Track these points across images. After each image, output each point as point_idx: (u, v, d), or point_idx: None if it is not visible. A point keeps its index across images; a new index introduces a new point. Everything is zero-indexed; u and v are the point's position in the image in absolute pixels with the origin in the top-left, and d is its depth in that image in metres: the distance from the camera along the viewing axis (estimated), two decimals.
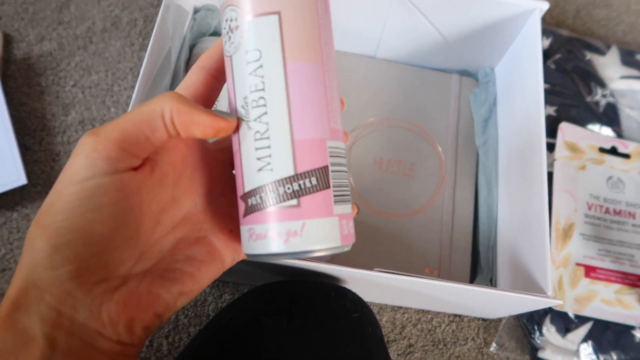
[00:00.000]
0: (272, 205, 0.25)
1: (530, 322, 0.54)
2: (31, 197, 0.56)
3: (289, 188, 0.25)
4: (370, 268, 0.40)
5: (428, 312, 0.56)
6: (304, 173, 0.25)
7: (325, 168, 0.25)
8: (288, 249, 0.24)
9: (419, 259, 0.55)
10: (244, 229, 0.26)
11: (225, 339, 0.35)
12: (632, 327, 0.54)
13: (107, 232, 0.23)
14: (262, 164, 0.25)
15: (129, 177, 0.23)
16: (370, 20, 0.57)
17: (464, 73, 0.63)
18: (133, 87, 0.61)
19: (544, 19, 0.73)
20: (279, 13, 0.25)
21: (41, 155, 0.58)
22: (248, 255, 0.26)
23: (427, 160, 0.59)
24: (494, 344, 0.54)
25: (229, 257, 0.28)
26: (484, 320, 0.56)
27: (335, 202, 0.26)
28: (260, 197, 0.25)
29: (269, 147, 0.25)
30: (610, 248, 0.56)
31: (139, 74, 0.54)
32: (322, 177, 0.25)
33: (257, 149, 0.25)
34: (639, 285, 0.55)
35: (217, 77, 0.28)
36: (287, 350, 0.33)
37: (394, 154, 0.58)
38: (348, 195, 0.27)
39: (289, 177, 0.25)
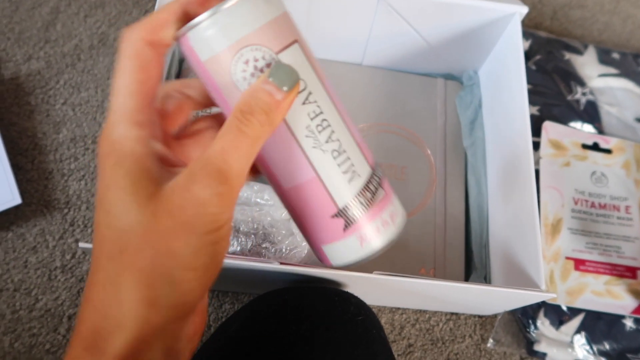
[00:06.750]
0: (372, 205, 0.28)
1: (524, 316, 0.56)
2: (26, 217, 0.56)
3: (375, 182, 0.28)
4: (369, 271, 0.41)
5: (425, 311, 0.57)
6: (374, 165, 0.29)
7: (372, 154, 0.30)
8: (396, 231, 0.30)
9: (414, 260, 0.56)
10: (350, 240, 0.28)
11: (233, 350, 0.36)
12: (623, 317, 0.56)
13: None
14: (350, 175, 0.27)
15: None
16: (355, 29, 0.58)
17: (448, 77, 0.65)
18: None
19: (523, 22, 0.75)
20: (296, 41, 0.26)
21: (34, 174, 0.57)
22: (356, 261, 0.29)
23: (417, 163, 0.60)
24: (491, 340, 0.56)
25: None
26: (480, 316, 0.58)
27: None
28: (361, 203, 0.28)
29: (348, 158, 0.27)
30: (597, 241, 0.58)
31: None
32: (376, 163, 0.29)
33: (339, 165, 0.27)
34: (627, 275, 0.57)
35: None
36: (296, 358, 0.34)
37: (385, 158, 0.60)
38: None
39: (371, 174, 0.28)
